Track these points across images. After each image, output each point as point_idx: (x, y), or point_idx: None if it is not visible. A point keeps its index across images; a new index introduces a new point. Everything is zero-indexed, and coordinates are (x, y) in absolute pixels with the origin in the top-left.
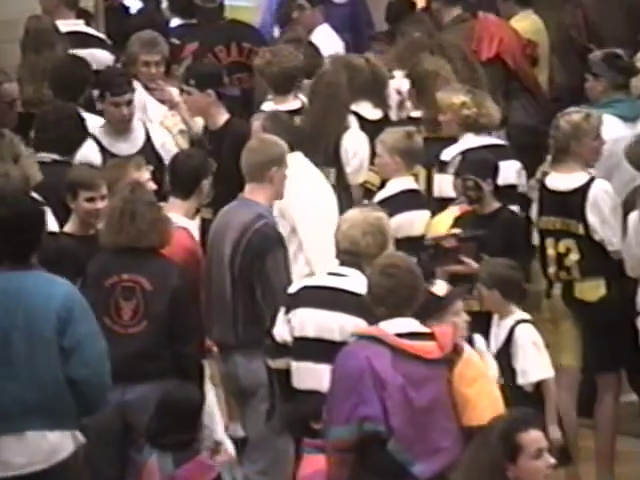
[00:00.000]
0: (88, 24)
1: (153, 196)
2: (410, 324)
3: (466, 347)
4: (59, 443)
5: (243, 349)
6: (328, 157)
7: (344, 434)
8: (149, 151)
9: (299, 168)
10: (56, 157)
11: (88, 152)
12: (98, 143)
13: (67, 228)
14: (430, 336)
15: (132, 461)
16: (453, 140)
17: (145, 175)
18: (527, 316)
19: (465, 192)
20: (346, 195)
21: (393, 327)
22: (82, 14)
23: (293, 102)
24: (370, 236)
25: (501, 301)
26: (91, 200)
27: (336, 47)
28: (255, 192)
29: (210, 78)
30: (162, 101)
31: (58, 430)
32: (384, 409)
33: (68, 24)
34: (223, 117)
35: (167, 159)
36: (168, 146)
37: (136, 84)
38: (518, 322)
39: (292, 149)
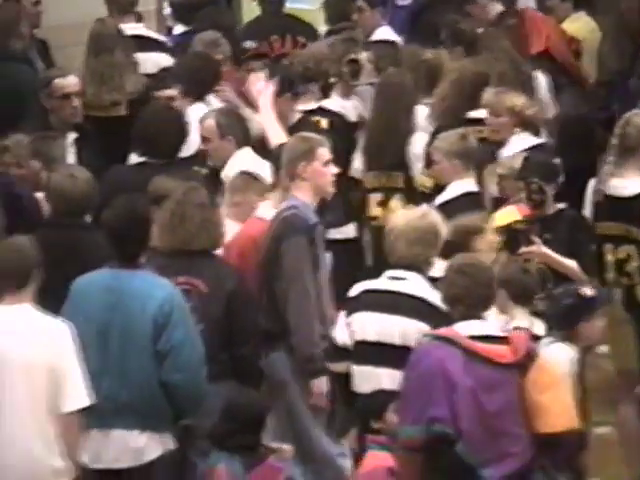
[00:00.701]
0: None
1: (207, 198)
2: (485, 326)
3: (541, 353)
4: (147, 444)
5: (271, 341)
6: (397, 160)
7: (413, 434)
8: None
9: (245, 164)
10: (152, 160)
11: None
12: None
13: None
14: (504, 340)
15: (192, 464)
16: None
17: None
18: (526, 324)
19: (529, 195)
20: (412, 198)
21: (467, 329)
22: (142, 17)
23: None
24: (417, 245)
25: (506, 301)
26: None
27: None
28: (295, 188)
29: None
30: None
31: (147, 432)
32: (454, 411)
33: (129, 27)
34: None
35: None
36: None
37: None
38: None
39: (245, 144)
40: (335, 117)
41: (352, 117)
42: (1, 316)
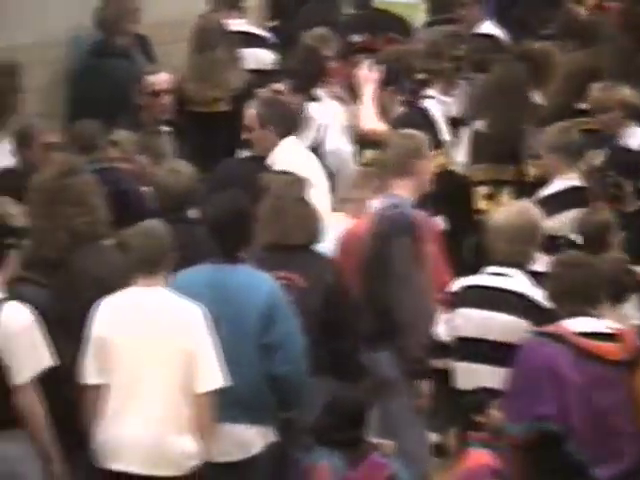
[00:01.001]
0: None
1: (305, 192)
2: (594, 323)
3: None
4: (253, 438)
5: (371, 341)
6: (509, 152)
7: (519, 431)
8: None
9: (290, 154)
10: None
11: None
12: None
13: None
14: (613, 337)
15: (293, 459)
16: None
17: None
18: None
19: (606, 189)
20: (523, 190)
21: (576, 326)
22: (246, 12)
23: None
24: (517, 242)
25: (610, 299)
26: None
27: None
28: (399, 186)
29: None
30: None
31: (254, 425)
32: (562, 409)
33: (232, 23)
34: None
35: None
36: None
37: None
38: None
39: (286, 134)
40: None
41: (453, 113)
42: (136, 299)
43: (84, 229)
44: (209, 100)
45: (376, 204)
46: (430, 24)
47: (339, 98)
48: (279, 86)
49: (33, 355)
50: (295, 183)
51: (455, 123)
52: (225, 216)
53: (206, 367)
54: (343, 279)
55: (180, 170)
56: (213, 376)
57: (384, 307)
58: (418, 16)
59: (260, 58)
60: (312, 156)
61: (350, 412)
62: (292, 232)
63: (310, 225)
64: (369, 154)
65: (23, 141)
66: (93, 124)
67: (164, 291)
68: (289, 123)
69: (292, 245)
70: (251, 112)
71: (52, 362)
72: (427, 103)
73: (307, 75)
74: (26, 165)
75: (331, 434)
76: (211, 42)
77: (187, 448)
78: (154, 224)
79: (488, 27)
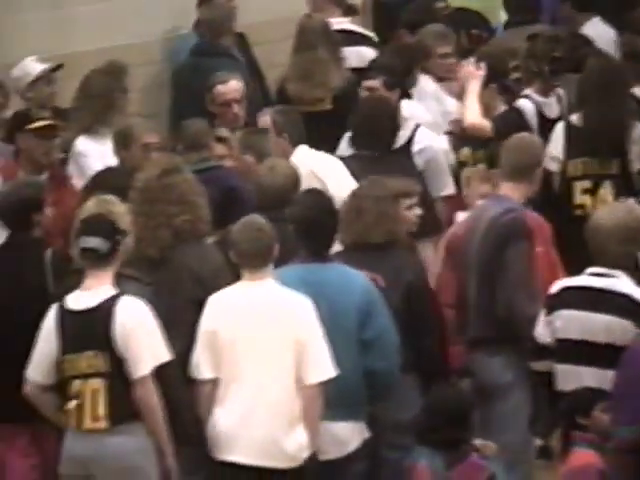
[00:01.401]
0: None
1: (386, 191)
2: None
3: None
4: (349, 435)
5: (483, 345)
6: (613, 146)
7: (629, 435)
8: (404, 152)
9: (306, 161)
10: (370, 153)
11: None
12: None
13: None
14: None
15: (384, 460)
16: None
17: None
18: None
19: None
20: (626, 185)
21: None
22: (349, 11)
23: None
24: (627, 243)
25: None
26: (410, 208)
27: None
28: (511, 189)
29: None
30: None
31: (350, 421)
32: None
33: (336, 22)
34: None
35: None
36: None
37: (424, 77)
38: None
39: (298, 143)
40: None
41: (552, 114)
42: (246, 293)
43: (185, 227)
44: (310, 99)
45: (485, 206)
46: (510, 24)
47: (457, 95)
48: (373, 83)
49: (151, 349)
50: (375, 183)
51: (552, 124)
52: (314, 215)
53: (317, 358)
54: (425, 276)
55: (277, 169)
56: (324, 367)
57: (500, 312)
58: (495, 13)
59: (363, 56)
60: (331, 161)
61: (450, 412)
62: (372, 231)
63: (390, 224)
64: (466, 152)
65: (123, 141)
66: (200, 122)
67: (272, 284)
68: (303, 132)
69: (372, 244)
70: (265, 120)
71: (169, 356)
72: (523, 103)
73: (400, 71)
74: (127, 164)
75: (431, 434)
76: (312, 41)
77: (300, 440)
78: (258, 219)
79: (595, 24)
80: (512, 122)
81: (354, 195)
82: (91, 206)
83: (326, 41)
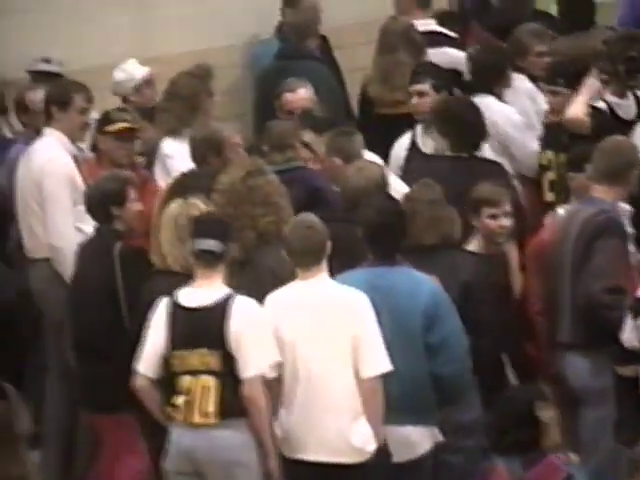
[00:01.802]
0: (443, 24)
1: (440, 194)
2: None
3: None
4: (418, 439)
5: (576, 349)
6: None
7: None
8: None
9: None
10: (454, 154)
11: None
12: (413, 141)
13: (471, 246)
14: None
15: (446, 463)
16: None
17: None
18: None
19: None
20: None
21: None
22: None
23: None
24: None
25: None
26: (494, 217)
27: None
28: (605, 191)
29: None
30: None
31: (419, 426)
32: None
33: (421, 24)
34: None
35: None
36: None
37: (518, 76)
38: None
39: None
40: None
41: (628, 115)
42: (302, 291)
43: (270, 229)
44: (391, 102)
45: (578, 208)
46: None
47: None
48: (422, 87)
49: (262, 349)
50: (428, 186)
51: (629, 125)
52: (382, 218)
53: (372, 351)
54: (481, 277)
55: (364, 171)
56: (380, 360)
57: (579, 300)
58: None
59: (451, 57)
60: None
61: (523, 413)
62: (425, 233)
63: (443, 227)
64: (549, 155)
65: (216, 148)
66: (285, 123)
67: (327, 280)
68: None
69: (426, 246)
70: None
71: (278, 358)
72: (597, 104)
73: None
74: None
75: (506, 436)
76: (393, 44)
77: (365, 433)
78: (309, 216)
79: None
80: (605, 122)
81: (407, 198)
82: (176, 208)
83: (407, 44)
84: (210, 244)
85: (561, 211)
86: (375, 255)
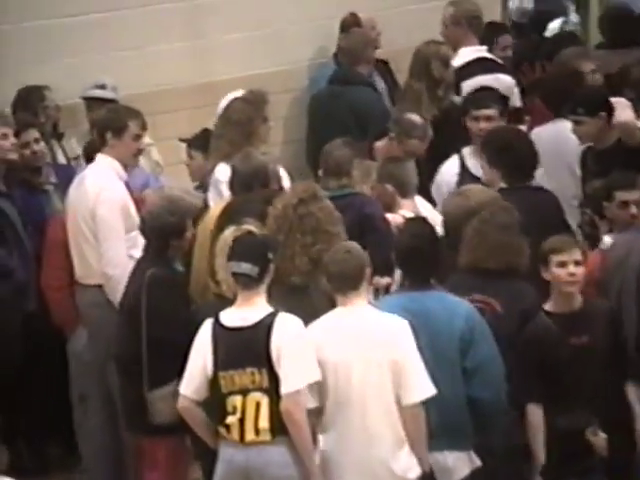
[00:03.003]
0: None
1: (513, 219)
2: None
3: None
4: (455, 465)
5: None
6: None
7: None
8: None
9: None
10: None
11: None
12: (462, 163)
13: (547, 306)
14: None
15: None
16: None
17: None
18: None
19: None
20: None
21: None
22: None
23: None
24: None
25: None
26: (563, 265)
27: None
28: None
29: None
30: None
31: (455, 451)
32: None
33: (472, 50)
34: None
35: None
36: None
37: None
38: None
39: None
40: None
41: None
42: (342, 318)
43: (321, 256)
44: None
45: (629, 236)
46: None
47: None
48: (490, 112)
49: (302, 366)
50: (504, 210)
51: None
52: (416, 243)
53: (415, 377)
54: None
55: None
56: (422, 386)
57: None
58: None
59: (503, 82)
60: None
61: (576, 442)
62: (491, 257)
63: (511, 255)
64: None
65: (263, 180)
66: (344, 149)
67: (367, 307)
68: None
69: (491, 269)
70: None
71: (319, 376)
72: None
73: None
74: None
75: (563, 466)
76: (413, 69)
77: (407, 460)
78: (350, 243)
79: None
80: None
81: (481, 220)
82: (230, 234)
83: (423, 71)
84: (243, 267)
85: (608, 240)
86: (409, 280)
